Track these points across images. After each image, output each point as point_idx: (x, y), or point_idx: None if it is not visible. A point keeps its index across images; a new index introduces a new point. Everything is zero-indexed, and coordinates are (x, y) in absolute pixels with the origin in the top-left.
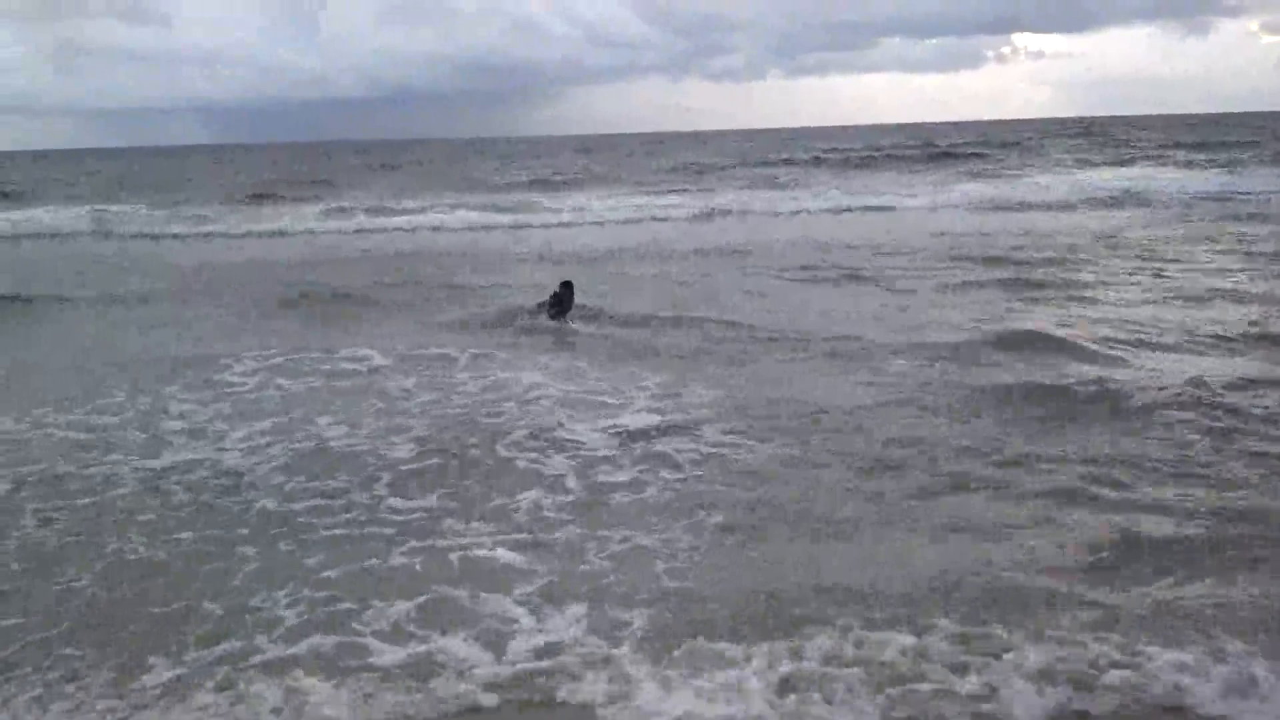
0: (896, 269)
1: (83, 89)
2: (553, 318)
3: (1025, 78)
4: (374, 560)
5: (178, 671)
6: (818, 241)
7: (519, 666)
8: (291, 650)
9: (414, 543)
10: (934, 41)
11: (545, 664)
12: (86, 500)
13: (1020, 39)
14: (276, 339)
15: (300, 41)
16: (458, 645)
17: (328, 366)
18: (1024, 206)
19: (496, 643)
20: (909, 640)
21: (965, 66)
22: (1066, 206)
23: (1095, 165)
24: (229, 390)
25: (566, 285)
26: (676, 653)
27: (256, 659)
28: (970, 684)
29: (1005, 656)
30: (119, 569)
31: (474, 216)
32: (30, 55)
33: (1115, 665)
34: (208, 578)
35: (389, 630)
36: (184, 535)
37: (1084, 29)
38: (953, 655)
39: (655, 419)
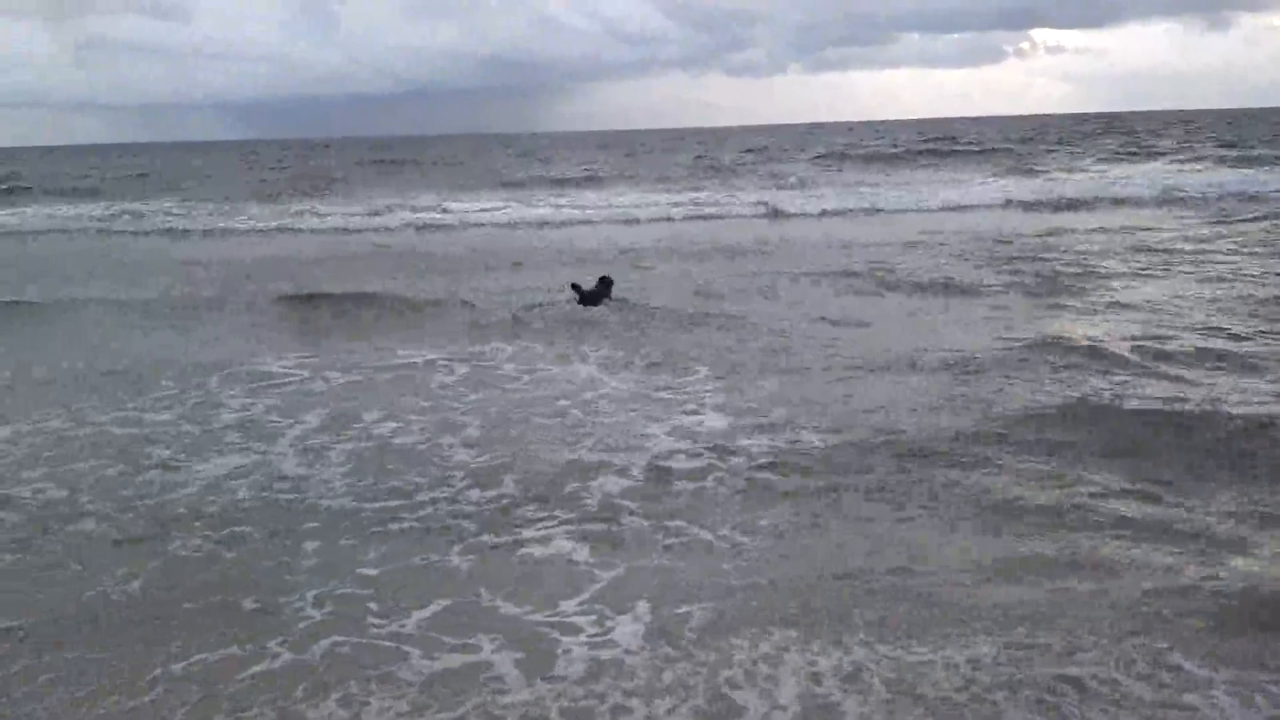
0: (940, 272)
1: (101, 84)
2: (585, 303)
3: (1044, 73)
4: (432, 557)
5: (175, 672)
6: (845, 241)
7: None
8: (301, 657)
9: (480, 539)
10: (954, 37)
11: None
12: (147, 500)
13: (1040, 34)
14: (315, 336)
15: (320, 37)
16: (500, 658)
17: (375, 362)
18: (1065, 205)
19: (545, 655)
20: (961, 657)
21: (985, 62)
22: (1105, 204)
23: (1121, 160)
24: (276, 387)
25: (605, 280)
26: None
27: (257, 668)
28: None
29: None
30: (173, 567)
31: (505, 212)
32: (49, 50)
33: None
34: (254, 575)
35: (419, 635)
36: (244, 530)
37: (1104, 24)
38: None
39: (719, 417)
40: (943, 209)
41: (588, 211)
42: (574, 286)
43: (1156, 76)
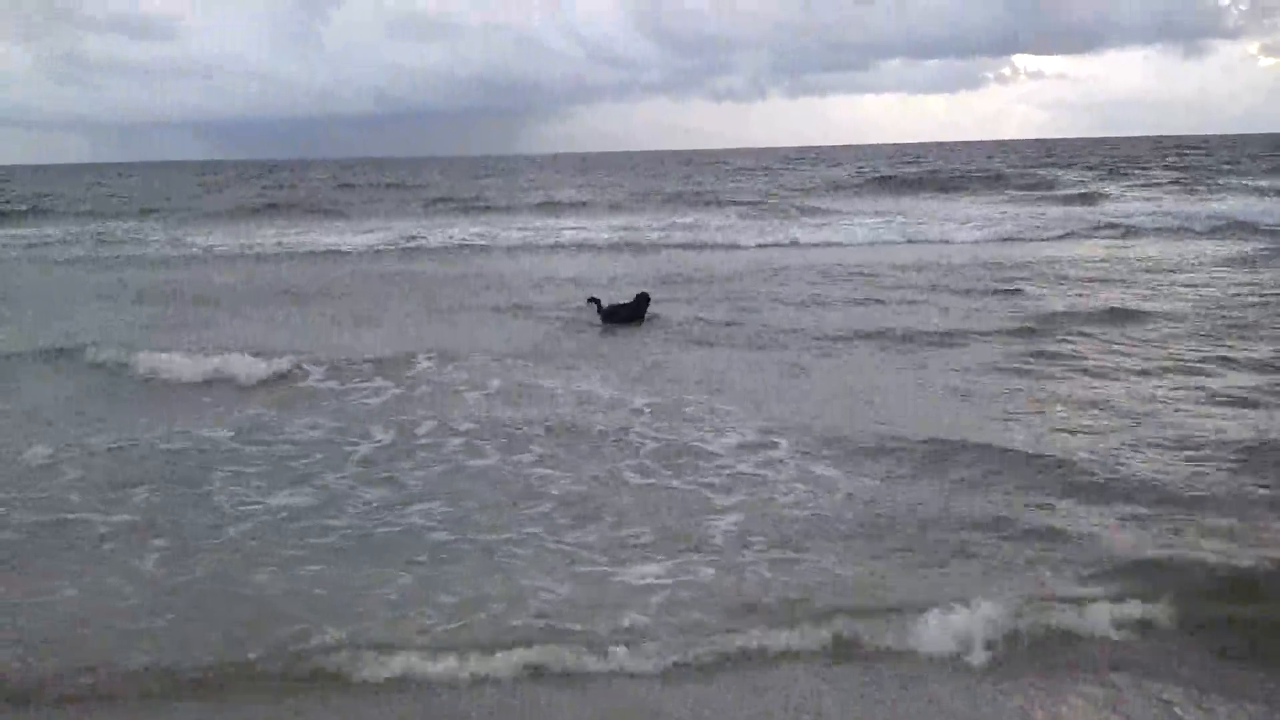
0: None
1: (84, 102)
2: (613, 319)
3: (1025, 99)
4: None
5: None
6: (868, 273)
7: None
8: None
9: (573, 569)
10: (935, 62)
11: None
12: (217, 521)
13: (1020, 60)
14: (338, 353)
15: (305, 57)
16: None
17: (411, 374)
18: (1106, 231)
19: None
20: None
21: (965, 87)
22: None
23: (1152, 188)
24: (314, 404)
25: (642, 297)
26: None
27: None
28: None
29: None
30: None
31: (507, 235)
32: (32, 67)
33: None
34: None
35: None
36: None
37: (1084, 51)
38: None
39: (773, 441)
40: (970, 241)
41: (565, 234)
42: (597, 307)
43: (1135, 103)
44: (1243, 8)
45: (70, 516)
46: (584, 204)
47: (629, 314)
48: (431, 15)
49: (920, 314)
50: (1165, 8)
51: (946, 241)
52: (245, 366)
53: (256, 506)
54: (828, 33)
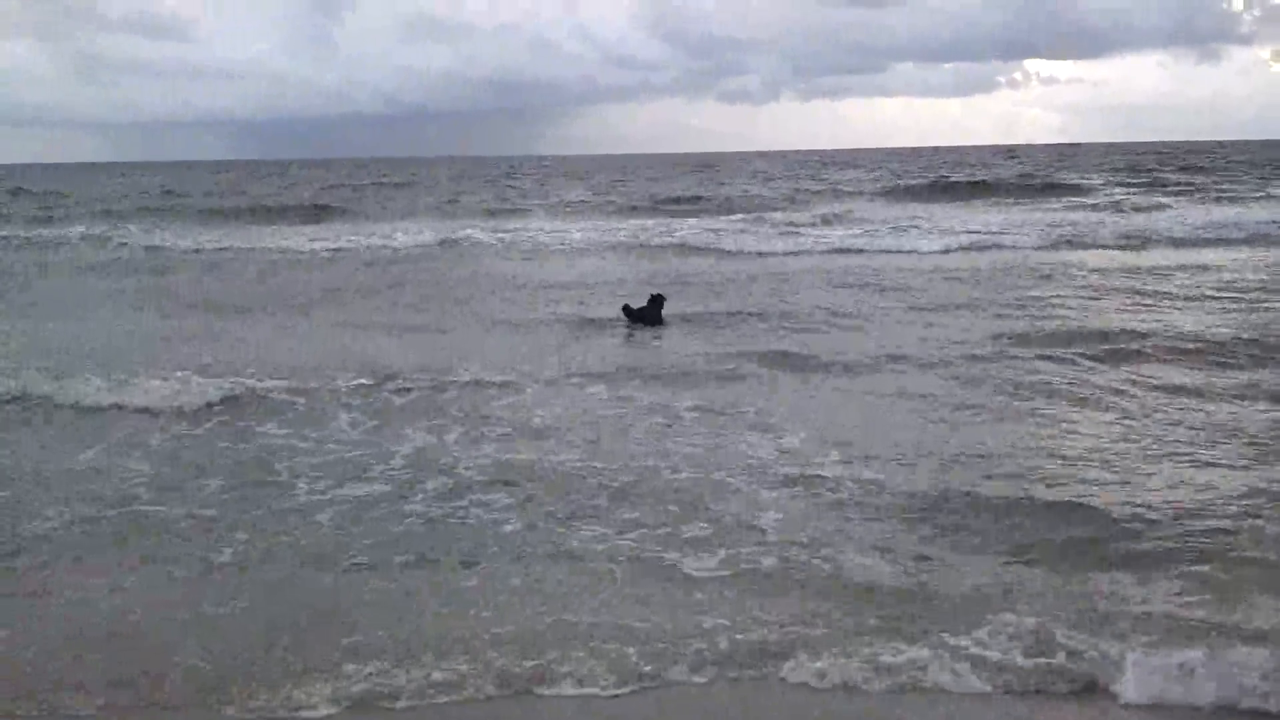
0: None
1: (101, 102)
2: (639, 322)
3: (1037, 103)
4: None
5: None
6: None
7: None
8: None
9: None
10: (948, 66)
11: None
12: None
13: (1033, 65)
14: (364, 362)
15: (319, 58)
16: None
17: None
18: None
19: None
20: None
21: (978, 91)
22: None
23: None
24: (353, 411)
25: (656, 299)
26: None
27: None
28: None
29: None
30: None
31: (529, 235)
32: (46, 68)
33: None
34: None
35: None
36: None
37: (1096, 55)
38: None
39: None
40: (1031, 248)
41: (574, 235)
42: (625, 309)
43: (1148, 108)
44: (1256, 14)
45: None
46: (606, 204)
47: (653, 316)
48: (443, 17)
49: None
50: (1179, 13)
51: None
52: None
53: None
54: (841, 35)
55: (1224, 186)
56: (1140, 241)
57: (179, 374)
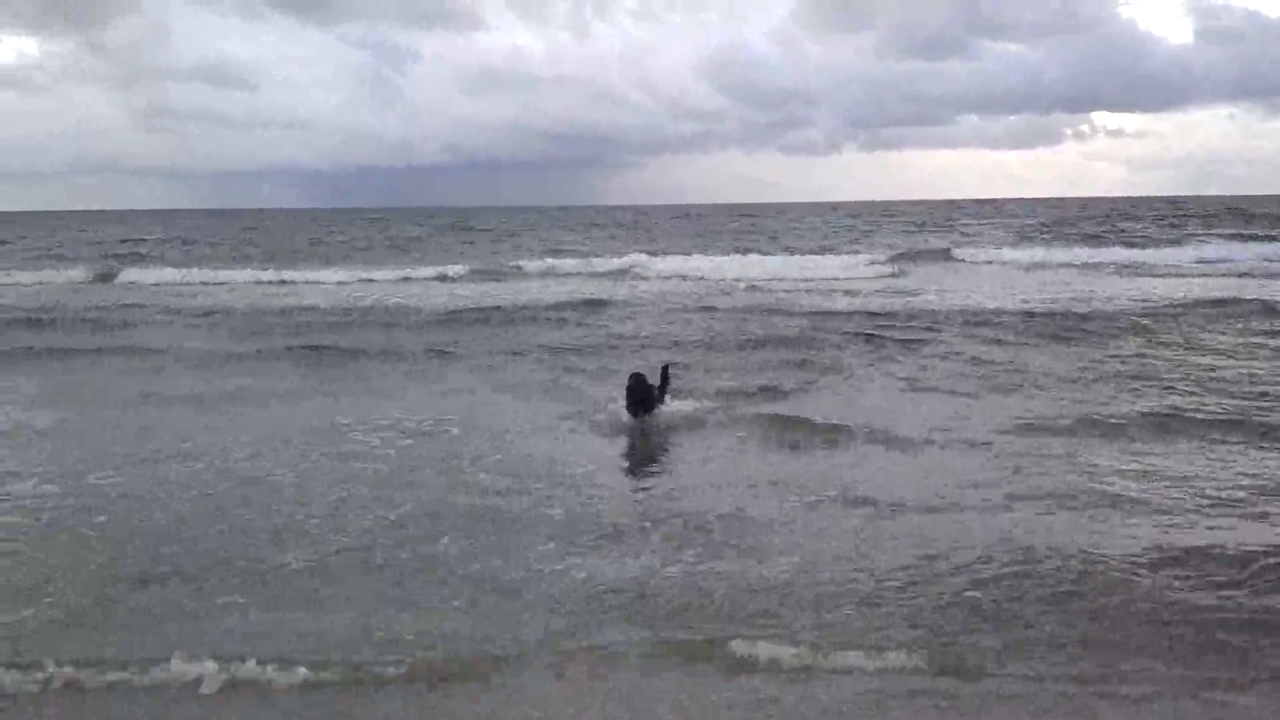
0: None
1: (172, 151)
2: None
3: (1102, 156)
4: None
5: None
6: None
7: None
8: None
9: None
10: (1012, 118)
11: None
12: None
13: (1099, 117)
14: (408, 405)
15: (383, 109)
16: None
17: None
18: None
19: None
20: None
21: (1042, 143)
22: None
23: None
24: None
25: (665, 371)
26: None
27: None
28: None
29: None
30: None
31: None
32: (117, 117)
33: None
34: None
35: None
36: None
37: (1164, 109)
38: None
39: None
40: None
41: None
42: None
43: (1217, 161)
44: None
45: None
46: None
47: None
48: (503, 69)
49: None
50: (1246, 67)
51: None
52: None
53: None
54: (903, 87)
55: None
56: None
57: None
